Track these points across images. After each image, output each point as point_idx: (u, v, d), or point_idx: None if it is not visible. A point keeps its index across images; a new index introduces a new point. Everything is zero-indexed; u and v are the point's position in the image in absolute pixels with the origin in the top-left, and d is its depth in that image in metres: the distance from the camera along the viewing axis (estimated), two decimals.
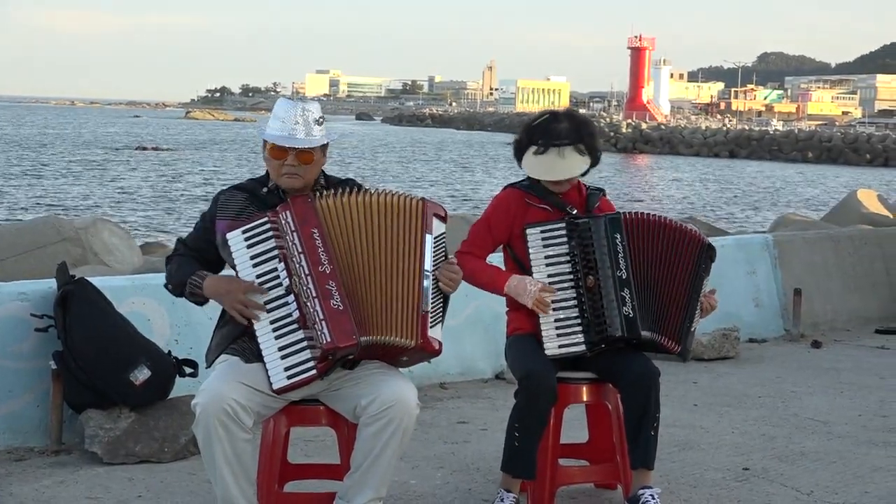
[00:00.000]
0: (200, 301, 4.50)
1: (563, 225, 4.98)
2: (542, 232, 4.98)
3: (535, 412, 4.88)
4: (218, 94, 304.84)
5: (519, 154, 5.14)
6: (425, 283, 4.32)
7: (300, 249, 4.26)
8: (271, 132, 4.46)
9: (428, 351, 4.35)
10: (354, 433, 4.39)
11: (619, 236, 4.95)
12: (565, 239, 4.97)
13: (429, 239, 4.36)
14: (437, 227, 4.42)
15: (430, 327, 4.33)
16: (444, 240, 4.47)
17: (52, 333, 5.88)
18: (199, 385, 4.44)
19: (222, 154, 67.40)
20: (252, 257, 4.33)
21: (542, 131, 5.05)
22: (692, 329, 5.06)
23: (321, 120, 4.51)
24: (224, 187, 4.76)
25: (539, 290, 4.93)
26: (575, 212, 5.05)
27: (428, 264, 4.34)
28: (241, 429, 4.24)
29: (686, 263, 5.01)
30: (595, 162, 5.11)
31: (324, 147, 4.53)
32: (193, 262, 4.51)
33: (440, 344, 4.37)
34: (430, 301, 4.33)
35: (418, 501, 5.31)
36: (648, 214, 5.09)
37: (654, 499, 4.91)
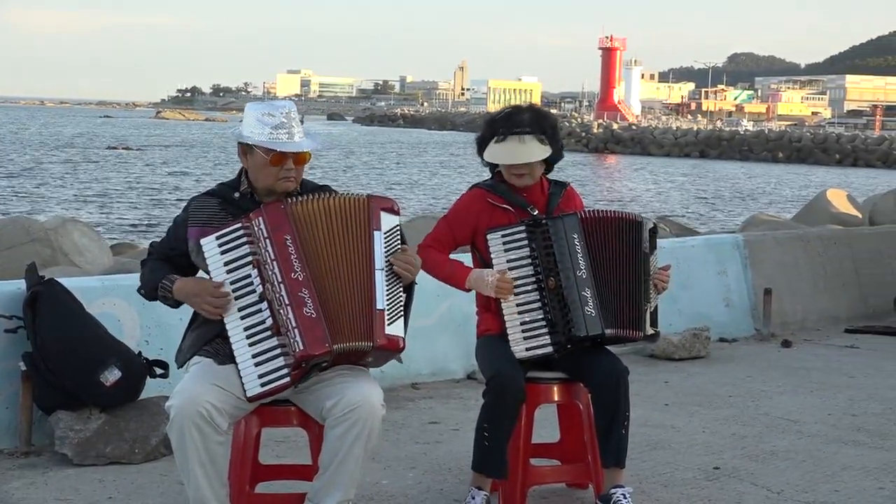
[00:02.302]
0: (172, 304, 4.50)
1: (523, 228, 5.00)
2: (502, 236, 5.00)
3: (503, 411, 4.89)
4: (188, 95, 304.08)
5: (482, 148, 5.16)
6: (377, 280, 4.30)
7: (273, 256, 4.25)
8: (263, 138, 4.39)
9: (389, 349, 4.31)
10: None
11: (576, 236, 4.97)
12: (526, 242, 4.99)
13: (377, 235, 4.33)
14: (387, 221, 4.38)
15: (389, 324, 4.28)
16: (397, 233, 4.42)
17: (22, 334, 5.85)
18: (170, 386, 4.43)
19: (193, 153, 67.14)
20: (225, 263, 4.31)
21: (503, 121, 5.09)
22: (650, 310, 5.07)
23: (303, 119, 4.51)
24: (197, 193, 4.74)
25: (497, 278, 4.96)
26: (536, 213, 5.08)
27: (379, 261, 4.31)
28: (216, 431, 4.23)
29: (632, 249, 5.05)
30: (557, 154, 5.13)
31: None
32: (165, 266, 4.50)
33: (403, 340, 4.33)
34: (385, 298, 4.29)
35: (390, 502, 5.31)
36: (602, 211, 5.13)
37: (625, 498, 4.92)
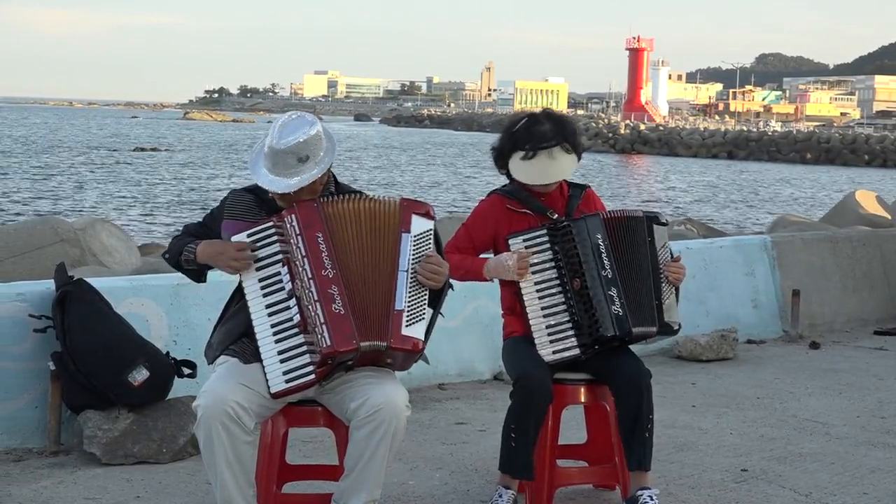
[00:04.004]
0: (195, 270, 4.51)
1: (545, 232, 5.00)
2: (524, 241, 5.00)
3: (529, 412, 4.89)
4: (216, 95, 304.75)
5: (501, 160, 5.14)
6: (399, 281, 4.31)
7: (304, 253, 4.28)
8: (263, 172, 4.41)
9: (405, 350, 4.30)
10: None
11: (600, 236, 4.96)
12: (548, 245, 4.99)
13: (405, 238, 4.34)
14: (419, 224, 4.39)
15: (407, 325, 4.28)
16: (428, 237, 4.42)
17: (51, 334, 5.88)
18: (198, 386, 4.45)
19: (220, 155, 67.33)
20: (256, 261, 4.35)
21: (526, 135, 5.05)
22: (665, 304, 5.05)
23: (305, 157, 4.39)
24: (235, 187, 4.77)
25: (516, 261, 4.94)
26: (556, 216, 5.07)
27: (404, 262, 4.32)
28: (243, 430, 4.25)
29: (646, 244, 5.04)
30: (578, 158, 5.13)
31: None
32: (193, 239, 4.53)
33: (421, 342, 4.32)
34: (406, 299, 4.30)
35: (417, 502, 5.31)
36: (624, 210, 5.13)
37: (652, 500, 4.91)
